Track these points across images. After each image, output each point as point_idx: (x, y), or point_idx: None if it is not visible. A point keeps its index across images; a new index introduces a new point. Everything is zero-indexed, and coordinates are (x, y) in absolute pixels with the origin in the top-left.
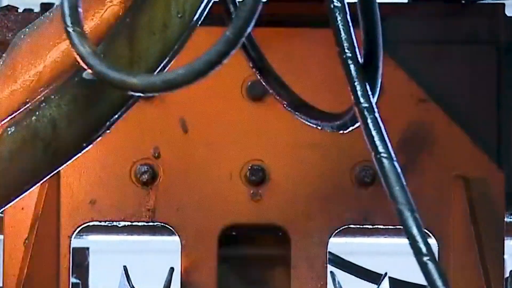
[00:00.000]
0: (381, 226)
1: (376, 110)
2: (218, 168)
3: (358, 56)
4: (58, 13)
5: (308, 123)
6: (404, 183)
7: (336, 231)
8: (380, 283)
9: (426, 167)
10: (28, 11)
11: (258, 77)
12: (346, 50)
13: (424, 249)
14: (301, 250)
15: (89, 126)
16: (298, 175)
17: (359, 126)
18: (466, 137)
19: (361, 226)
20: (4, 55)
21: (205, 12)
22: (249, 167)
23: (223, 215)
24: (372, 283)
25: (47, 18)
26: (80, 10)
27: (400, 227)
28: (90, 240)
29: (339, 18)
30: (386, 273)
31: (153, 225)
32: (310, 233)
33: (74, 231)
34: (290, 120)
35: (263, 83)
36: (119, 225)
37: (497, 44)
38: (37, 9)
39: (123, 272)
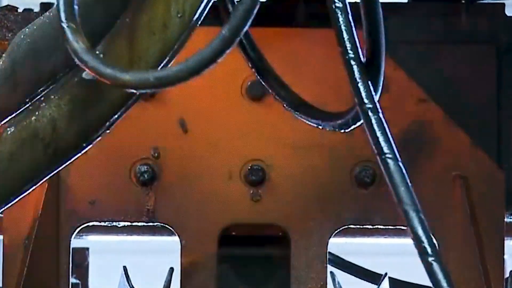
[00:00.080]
0: (381, 226)
1: (380, 110)
2: (218, 168)
3: (361, 56)
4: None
5: (309, 123)
6: (409, 183)
7: (336, 231)
8: (380, 283)
9: (426, 167)
10: (28, 11)
11: (257, 77)
12: (349, 51)
13: (429, 250)
14: (301, 250)
15: (88, 126)
16: (298, 175)
17: (360, 125)
18: (466, 137)
19: (361, 226)
20: (3, 55)
21: (205, 12)
22: (249, 167)
23: (222, 215)
24: (372, 283)
25: (46, 18)
26: (75, 6)
27: (400, 227)
28: (90, 240)
29: (341, 18)
30: (386, 273)
31: (153, 225)
32: (310, 233)
33: (74, 231)
34: (290, 120)
35: (262, 83)
36: (119, 225)
37: (497, 44)
38: (36, 9)
39: (123, 272)
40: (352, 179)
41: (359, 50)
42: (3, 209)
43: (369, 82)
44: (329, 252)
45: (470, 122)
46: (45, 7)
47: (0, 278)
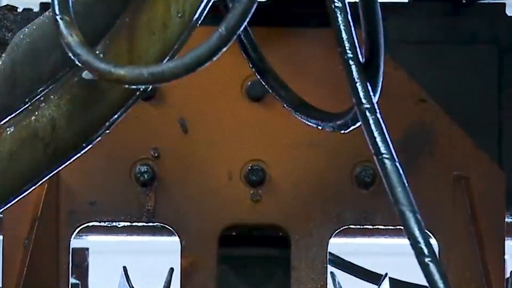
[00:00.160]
0: (381, 226)
1: (377, 111)
2: (218, 168)
3: (360, 56)
4: None
5: (308, 123)
6: (406, 184)
7: (336, 232)
8: (381, 283)
9: (426, 167)
10: (27, 10)
11: (258, 77)
12: (347, 51)
13: (426, 251)
14: (301, 250)
15: (88, 126)
16: (298, 175)
17: (359, 125)
18: (467, 137)
19: (361, 227)
20: (3, 55)
21: (205, 12)
22: (249, 167)
23: (223, 215)
24: (372, 283)
25: (46, 18)
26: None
27: (400, 227)
28: (90, 241)
29: (340, 18)
30: (386, 274)
31: (153, 225)
32: (310, 233)
33: (74, 231)
34: (290, 120)
35: (263, 83)
36: (119, 226)
37: (498, 44)
38: (36, 8)
39: (123, 272)
40: (352, 179)
41: (358, 50)
42: (3, 209)
43: (368, 83)
44: (330, 252)
45: (470, 122)
46: (44, 6)
47: (0, 278)
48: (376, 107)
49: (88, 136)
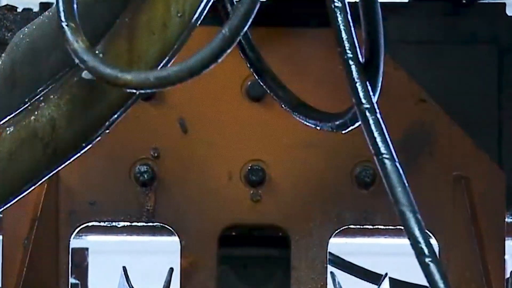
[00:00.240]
0: (381, 226)
1: (377, 111)
2: (217, 168)
3: (359, 56)
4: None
5: (306, 123)
6: (406, 184)
7: (336, 232)
8: (381, 283)
9: (426, 167)
10: (27, 10)
11: (256, 77)
12: (347, 51)
13: (426, 251)
14: (301, 250)
15: (88, 126)
16: (298, 175)
17: (358, 125)
18: (467, 137)
19: (361, 227)
20: (3, 54)
21: (205, 12)
22: (249, 167)
23: (222, 215)
24: (372, 283)
25: (46, 18)
26: (75, 5)
27: (400, 227)
28: (90, 241)
29: (340, 18)
30: (386, 274)
31: (153, 225)
32: (310, 233)
33: (73, 231)
34: (290, 120)
35: (261, 84)
36: (118, 226)
37: (498, 44)
38: (36, 8)
39: (123, 272)
40: (352, 179)
41: (358, 50)
42: (3, 209)
43: (367, 82)
44: (330, 253)
45: (470, 122)
46: (44, 6)
47: (0, 278)
48: (376, 107)
49: (87, 136)
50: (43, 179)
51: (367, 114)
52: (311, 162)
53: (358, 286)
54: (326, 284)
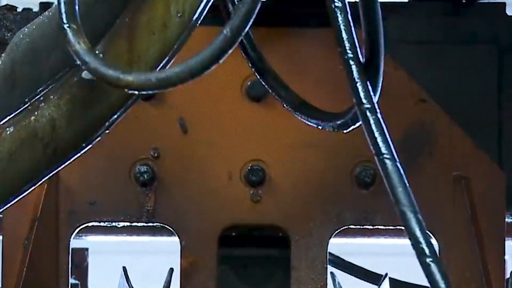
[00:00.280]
0: (381, 227)
1: (378, 110)
2: (218, 168)
3: (360, 56)
4: (57, 12)
5: (308, 123)
6: (407, 184)
7: (337, 232)
8: (381, 284)
9: (426, 167)
10: (27, 10)
11: (257, 77)
12: (348, 51)
13: (427, 251)
14: (301, 250)
15: (88, 126)
16: (298, 175)
17: (359, 125)
18: (467, 137)
19: (361, 227)
20: (3, 54)
21: (205, 12)
22: (249, 168)
23: (222, 215)
24: (372, 283)
25: (46, 18)
26: (76, 6)
27: (400, 227)
28: (89, 241)
29: (340, 18)
30: (386, 274)
31: (153, 225)
32: (310, 233)
33: (73, 231)
34: (290, 120)
35: (262, 83)
36: (118, 226)
37: (498, 44)
38: (36, 8)
39: (123, 273)
40: (352, 179)
41: (358, 50)
42: (3, 209)
43: (368, 82)
44: (330, 253)
45: (470, 122)
46: (44, 6)
47: (0, 278)
48: (377, 107)
49: (88, 136)
50: (43, 179)
51: (368, 114)
52: (311, 162)
53: (358, 286)
54: (326, 284)
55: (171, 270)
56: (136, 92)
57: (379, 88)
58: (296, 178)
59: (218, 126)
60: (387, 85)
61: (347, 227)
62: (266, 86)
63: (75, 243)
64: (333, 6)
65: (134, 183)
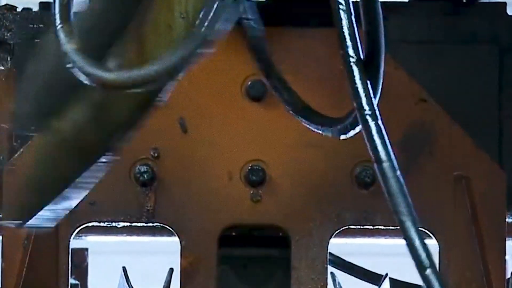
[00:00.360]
0: (382, 227)
1: (379, 116)
2: (218, 168)
3: (362, 59)
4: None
5: (309, 127)
6: (407, 193)
7: (337, 232)
8: (381, 284)
9: (427, 167)
10: (27, 10)
11: (264, 79)
12: (350, 54)
13: (427, 263)
14: (301, 250)
15: (111, 129)
16: (298, 175)
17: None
18: (467, 137)
19: (361, 227)
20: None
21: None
22: (249, 167)
23: (223, 215)
24: (373, 284)
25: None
26: (71, 6)
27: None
28: (89, 241)
29: (344, 19)
30: (386, 274)
31: (153, 225)
32: (310, 233)
33: (73, 231)
34: (290, 120)
35: (268, 85)
36: (118, 226)
37: (498, 44)
38: (35, 8)
39: (122, 273)
40: (352, 179)
41: (361, 53)
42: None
43: (369, 86)
44: (330, 253)
45: (471, 122)
46: (44, 6)
47: (0, 278)
48: (378, 112)
49: (112, 138)
50: (73, 182)
51: (369, 119)
52: (311, 162)
53: (358, 286)
54: (326, 285)
55: (171, 270)
56: (126, 90)
57: (380, 89)
58: (296, 178)
59: (218, 126)
60: (388, 85)
61: (347, 227)
62: (271, 88)
63: (75, 243)
64: (337, 7)
65: (134, 183)
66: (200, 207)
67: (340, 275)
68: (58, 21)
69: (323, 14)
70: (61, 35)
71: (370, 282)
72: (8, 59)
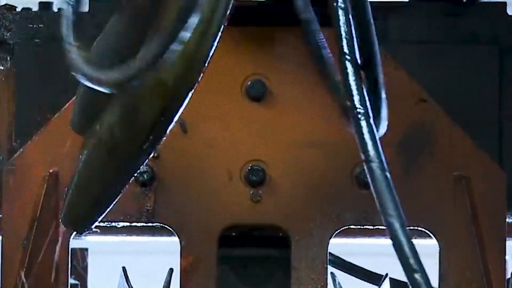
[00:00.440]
0: (382, 227)
1: (371, 116)
2: (218, 168)
3: (358, 59)
4: None
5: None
6: (395, 194)
7: (337, 232)
8: (381, 284)
9: (427, 167)
10: (27, 10)
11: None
12: (346, 53)
13: (415, 266)
14: (301, 251)
15: (141, 131)
16: (298, 175)
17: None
18: (467, 137)
19: (361, 227)
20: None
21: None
22: (249, 168)
23: (222, 215)
24: (373, 284)
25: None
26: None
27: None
28: (89, 241)
29: (342, 20)
30: (387, 274)
31: (152, 225)
32: (310, 233)
33: (73, 231)
34: (290, 120)
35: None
36: (118, 226)
37: (498, 44)
38: (35, 8)
39: (122, 273)
40: (352, 179)
41: (357, 53)
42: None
43: (362, 84)
44: (330, 253)
45: (471, 122)
46: (43, 6)
47: None
48: (370, 112)
49: (143, 140)
50: (113, 184)
51: (360, 118)
52: (311, 162)
53: (358, 286)
54: (327, 285)
55: (171, 270)
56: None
57: (381, 89)
58: (296, 178)
59: (218, 126)
60: (388, 85)
61: (347, 227)
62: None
63: (75, 243)
64: (336, 8)
65: (133, 183)
66: (200, 207)
67: (340, 275)
68: (69, 40)
69: (323, 14)
70: (65, 33)
71: (370, 282)
72: (8, 59)
